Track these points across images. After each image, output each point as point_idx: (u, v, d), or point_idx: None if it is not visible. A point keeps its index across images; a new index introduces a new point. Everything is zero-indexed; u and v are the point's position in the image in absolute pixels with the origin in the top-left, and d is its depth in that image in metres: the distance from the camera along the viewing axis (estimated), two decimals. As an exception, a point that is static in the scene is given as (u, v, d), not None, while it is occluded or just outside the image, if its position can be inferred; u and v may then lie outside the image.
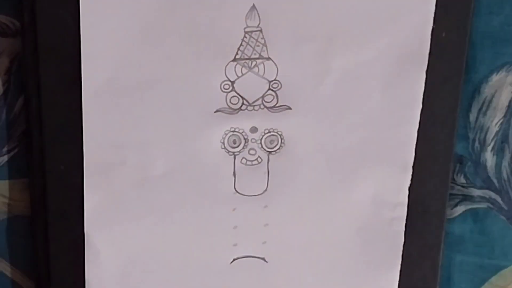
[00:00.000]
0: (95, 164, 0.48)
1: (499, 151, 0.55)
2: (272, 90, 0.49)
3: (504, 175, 0.55)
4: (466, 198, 0.56)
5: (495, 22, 0.52)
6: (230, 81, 0.48)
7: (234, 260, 0.52)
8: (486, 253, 0.57)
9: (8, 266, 0.52)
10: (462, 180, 0.56)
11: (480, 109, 0.54)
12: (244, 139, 0.50)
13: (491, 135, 0.55)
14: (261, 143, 0.50)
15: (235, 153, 0.50)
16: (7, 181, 0.50)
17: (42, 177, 0.48)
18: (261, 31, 0.47)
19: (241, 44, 0.47)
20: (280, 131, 0.50)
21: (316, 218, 0.52)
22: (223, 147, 0.49)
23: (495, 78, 0.53)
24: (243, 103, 0.49)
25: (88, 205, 0.49)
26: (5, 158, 0.50)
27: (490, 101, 0.54)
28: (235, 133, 0.49)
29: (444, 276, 0.58)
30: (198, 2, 0.46)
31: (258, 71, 0.48)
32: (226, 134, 0.49)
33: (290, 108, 0.49)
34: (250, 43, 0.47)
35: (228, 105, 0.48)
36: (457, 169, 0.56)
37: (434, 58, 0.51)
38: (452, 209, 0.57)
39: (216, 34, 0.47)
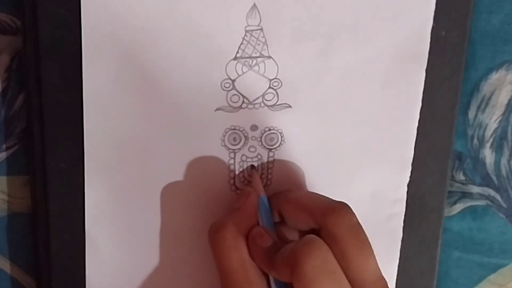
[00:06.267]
0: (96, 162, 0.48)
1: (498, 148, 0.55)
2: (273, 88, 0.49)
3: (503, 172, 0.56)
4: (465, 195, 0.57)
5: (494, 20, 0.52)
6: (230, 79, 0.48)
7: (234, 256, 0.52)
8: (485, 251, 0.57)
9: (8, 263, 0.52)
10: (461, 177, 0.56)
11: (479, 107, 0.55)
12: (244, 136, 0.50)
13: (489, 132, 0.55)
14: (261, 140, 0.50)
15: (235, 150, 0.50)
16: (5, 178, 0.50)
17: (42, 174, 0.48)
18: (261, 29, 0.47)
19: (241, 43, 0.47)
20: (280, 129, 0.50)
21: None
22: (223, 144, 0.49)
23: (494, 76, 0.54)
24: (243, 101, 0.49)
25: (89, 203, 0.49)
26: (4, 155, 0.50)
27: (489, 99, 0.54)
28: (235, 131, 0.49)
29: (442, 273, 0.58)
30: (199, 0, 0.46)
31: (259, 69, 0.48)
32: (227, 132, 0.49)
33: (290, 106, 0.49)
34: (251, 41, 0.47)
35: (228, 104, 0.48)
36: (456, 166, 0.56)
37: (434, 56, 0.51)
38: (451, 206, 0.57)
39: (217, 33, 0.47)
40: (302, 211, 0.46)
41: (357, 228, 0.44)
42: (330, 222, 0.44)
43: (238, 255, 0.45)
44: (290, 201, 0.48)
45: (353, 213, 0.45)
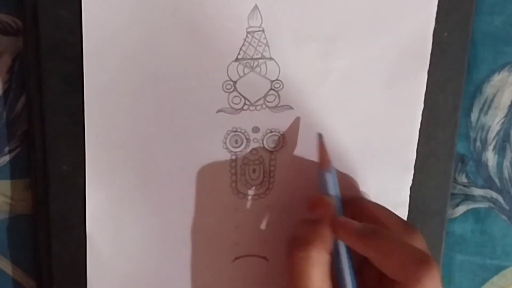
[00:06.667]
0: (97, 164, 0.48)
1: (500, 151, 0.55)
2: (274, 90, 0.49)
3: (506, 174, 0.55)
4: (468, 197, 0.57)
5: (497, 21, 0.52)
6: (232, 81, 0.48)
7: (235, 259, 0.52)
8: (488, 253, 0.57)
9: (10, 265, 0.52)
10: (463, 179, 0.56)
11: (481, 109, 0.54)
12: (246, 139, 0.50)
13: (492, 134, 0.55)
14: (262, 143, 0.50)
15: (237, 153, 0.50)
16: (9, 181, 0.50)
17: (44, 177, 0.48)
18: (263, 31, 0.47)
19: (243, 44, 0.47)
20: (281, 131, 0.50)
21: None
22: (225, 147, 0.49)
23: (496, 77, 0.54)
24: (245, 103, 0.49)
25: (90, 205, 0.49)
26: (7, 157, 0.50)
27: (492, 101, 0.54)
28: (237, 133, 0.49)
29: (445, 276, 0.58)
30: (201, 2, 0.46)
31: (260, 71, 0.48)
32: (228, 134, 0.49)
33: (291, 108, 0.49)
34: (252, 43, 0.47)
35: (230, 105, 0.48)
36: (458, 168, 0.56)
37: (436, 58, 0.51)
38: (453, 208, 0.57)
39: (219, 34, 0.47)
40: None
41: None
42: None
43: (321, 271, 0.45)
44: (364, 213, 0.48)
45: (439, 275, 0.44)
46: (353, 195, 0.50)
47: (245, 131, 0.49)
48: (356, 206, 0.49)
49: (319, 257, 0.45)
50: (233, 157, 0.50)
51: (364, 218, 0.48)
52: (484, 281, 0.58)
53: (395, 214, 0.48)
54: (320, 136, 0.50)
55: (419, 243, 0.46)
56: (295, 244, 0.46)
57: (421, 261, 0.44)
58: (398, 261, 0.44)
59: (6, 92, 0.48)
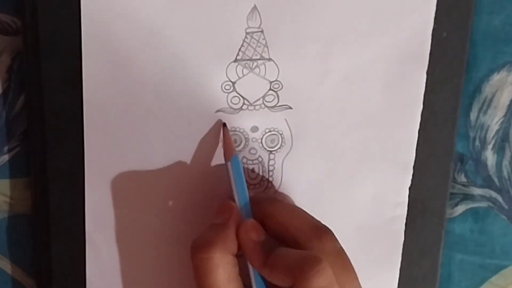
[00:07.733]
0: (96, 163, 0.48)
1: (499, 150, 0.55)
2: (273, 90, 0.49)
3: (505, 174, 0.55)
4: (467, 197, 0.57)
5: (496, 21, 0.52)
6: (231, 81, 0.48)
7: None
8: (487, 253, 0.57)
9: (9, 264, 0.52)
10: (462, 179, 0.56)
11: (480, 108, 0.55)
12: (245, 138, 0.50)
13: (491, 133, 0.55)
14: (261, 142, 0.50)
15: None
16: (8, 180, 0.50)
17: (43, 176, 0.48)
18: (262, 32, 0.47)
19: (242, 45, 0.47)
20: (280, 131, 0.50)
21: (316, 217, 0.52)
22: (224, 146, 0.49)
23: (496, 77, 0.54)
24: (244, 103, 0.49)
25: (89, 204, 0.49)
26: (6, 157, 0.50)
27: (491, 100, 0.54)
28: (236, 132, 0.49)
29: (444, 275, 0.58)
30: (200, 2, 0.46)
31: (259, 72, 0.48)
32: (227, 134, 0.49)
33: (291, 108, 0.49)
34: (251, 44, 0.47)
35: (229, 105, 0.48)
36: (457, 168, 0.56)
37: (435, 57, 0.51)
38: (452, 208, 0.57)
39: (217, 35, 0.47)
40: (284, 230, 0.46)
41: (341, 253, 0.45)
42: (316, 248, 0.45)
43: (226, 272, 0.45)
44: (271, 216, 0.47)
45: (336, 238, 0.46)
46: (264, 196, 0.50)
47: (244, 131, 0.49)
48: (265, 208, 0.48)
49: (222, 258, 0.44)
50: (232, 156, 0.50)
51: (271, 219, 0.47)
52: (483, 280, 0.58)
53: (305, 214, 0.48)
54: (223, 125, 0.49)
55: (329, 242, 0.45)
56: (197, 247, 0.45)
57: (314, 225, 0.46)
58: (296, 227, 0.46)
59: (5, 91, 0.48)
